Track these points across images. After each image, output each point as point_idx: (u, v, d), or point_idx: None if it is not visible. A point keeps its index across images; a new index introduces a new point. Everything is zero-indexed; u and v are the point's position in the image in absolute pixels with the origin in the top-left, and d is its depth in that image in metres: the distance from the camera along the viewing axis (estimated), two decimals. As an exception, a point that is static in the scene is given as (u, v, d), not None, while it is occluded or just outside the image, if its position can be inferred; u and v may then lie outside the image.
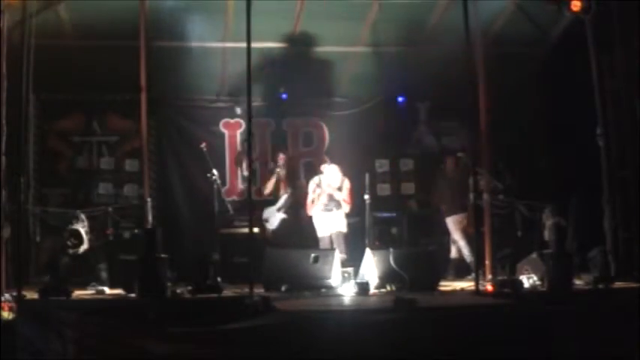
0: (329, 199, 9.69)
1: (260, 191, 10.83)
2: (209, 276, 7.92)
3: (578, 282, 8.29)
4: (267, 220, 10.43)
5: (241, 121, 11.26)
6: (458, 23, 8.35)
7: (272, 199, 10.56)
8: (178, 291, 7.79)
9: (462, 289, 8.34)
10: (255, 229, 9.21)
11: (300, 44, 10.54)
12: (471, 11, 8.40)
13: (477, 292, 7.78)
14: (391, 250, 8.55)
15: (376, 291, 8.23)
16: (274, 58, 10.54)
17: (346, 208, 9.72)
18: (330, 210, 9.69)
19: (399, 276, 8.26)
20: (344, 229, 9.69)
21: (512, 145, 10.78)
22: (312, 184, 9.85)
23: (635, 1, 9.23)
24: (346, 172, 9.92)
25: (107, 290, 8.23)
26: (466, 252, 9.92)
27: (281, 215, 10.38)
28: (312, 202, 9.77)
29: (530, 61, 11.08)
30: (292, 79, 10.85)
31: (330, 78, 11.29)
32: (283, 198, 10.43)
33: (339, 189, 9.69)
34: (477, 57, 8.93)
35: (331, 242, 9.64)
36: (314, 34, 10.45)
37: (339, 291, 8.22)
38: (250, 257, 8.11)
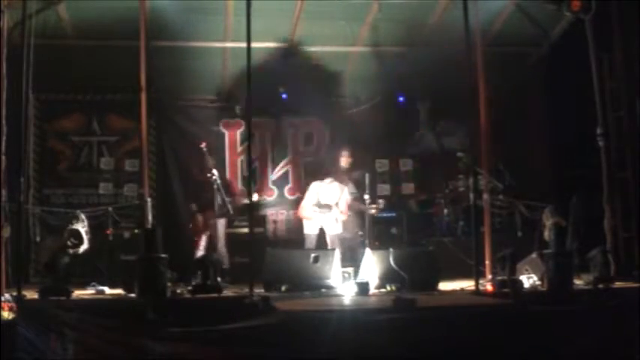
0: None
1: None
2: (209, 276, 7.92)
3: (578, 282, 8.28)
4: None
5: (241, 121, 11.26)
6: (458, 23, 8.36)
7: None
8: (178, 291, 7.80)
9: (462, 289, 8.33)
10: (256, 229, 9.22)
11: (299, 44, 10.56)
12: (471, 11, 8.39)
13: (477, 292, 7.79)
14: (391, 250, 8.53)
15: (376, 291, 8.20)
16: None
17: (341, 217, 9.65)
18: (323, 212, 9.64)
19: (399, 276, 8.25)
20: (339, 230, 9.69)
21: (512, 145, 10.78)
22: (311, 189, 9.76)
23: (635, 1, 9.24)
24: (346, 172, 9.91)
25: (107, 290, 8.23)
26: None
27: None
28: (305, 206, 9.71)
29: (530, 61, 11.09)
30: (292, 79, 10.85)
31: (330, 78, 11.29)
32: None
33: (337, 204, 9.61)
34: (476, 57, 8.93)
35: (319, 241, 9.60)
36: (313, 35, 10.47)
37: (339, 291, 8.21)
38: (250, 257, 8.11)
